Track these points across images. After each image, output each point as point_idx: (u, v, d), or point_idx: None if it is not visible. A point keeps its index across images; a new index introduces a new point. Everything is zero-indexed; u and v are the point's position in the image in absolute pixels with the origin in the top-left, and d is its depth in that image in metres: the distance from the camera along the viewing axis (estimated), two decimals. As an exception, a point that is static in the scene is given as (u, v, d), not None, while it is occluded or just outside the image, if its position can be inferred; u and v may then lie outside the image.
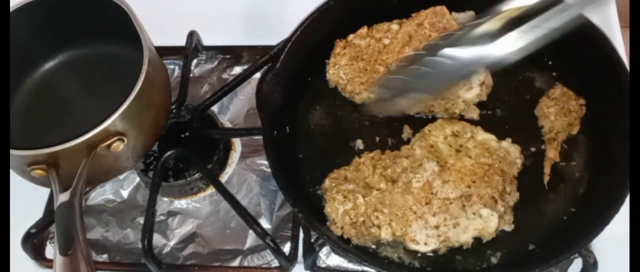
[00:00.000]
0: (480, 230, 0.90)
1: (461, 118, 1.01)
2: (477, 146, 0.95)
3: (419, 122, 1.02)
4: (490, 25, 0.82)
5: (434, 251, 0.91)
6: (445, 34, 0.89)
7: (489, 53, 0.81)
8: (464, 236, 0.90)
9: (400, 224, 0.90)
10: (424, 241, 0.90)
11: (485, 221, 0.90)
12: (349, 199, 0.93)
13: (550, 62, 1.06)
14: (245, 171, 1.09)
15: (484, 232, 0.90)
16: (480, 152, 0.94)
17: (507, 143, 0.96)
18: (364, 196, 0.93)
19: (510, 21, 0.81)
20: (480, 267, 0.92)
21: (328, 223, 0.94)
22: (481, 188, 0.91)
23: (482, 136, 0.97)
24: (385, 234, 0.90)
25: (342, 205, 0.92)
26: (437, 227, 0.90)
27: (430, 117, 1.03)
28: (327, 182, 0.97)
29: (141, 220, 1.04)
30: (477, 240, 0.91)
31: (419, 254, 0.92)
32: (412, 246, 0.90)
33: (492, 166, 0.93)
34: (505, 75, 1.05)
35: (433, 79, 0.85)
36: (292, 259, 0.97)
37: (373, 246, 0.93)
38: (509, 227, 0.92)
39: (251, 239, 1.02)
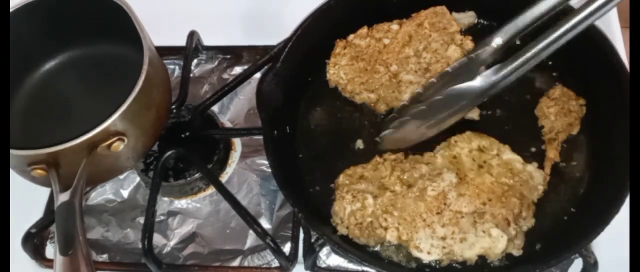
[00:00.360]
0: (487, 249, 0.88)
1: (461, 118, 1.01)
2: (501, 164, 0.93)
3: (419, 122, 1.02)
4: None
5: (438, 262, 0.90)
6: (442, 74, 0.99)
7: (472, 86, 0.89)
8: (469, 252, 0.88)
9: (408, 229, 0.89)
10: (428, 250, 0.88)
11: (494, 242, 0.88)
12: (358, 199, 0.92)
13: (550, 62, 1.06)
14: (246, 170, 1.09)
15: (490, 252, 0.88)
16: (502, 172, 0.92)
17: (532, 167, 0.94)
18: (376, 197, 0.92)
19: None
20: (480, 267, 0.92)
21: (333, 221, 0.93)
22: (496, 208, 0.89)
23: (508, 155, 0.94)
24: (391, 237, 0.89)
25: (350, 205, 0.92)
26: (443, 238, 0.88)
27: (430, 117, 1.03)
28: (341, 178, 0.96)
29: (141, 220, 1.04)
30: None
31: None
32: (415, 253, 0.89)
33: (513, 187, 0.91)
34: (506, 76, 1.05)
35: (428, 112, 0.95)
36: (292, 259, 0.97)
37: (375, 248, 0.93)
38: (517, 252, 0.90)
39: (251, 239, 1.02)
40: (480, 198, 0.90)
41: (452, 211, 0.89)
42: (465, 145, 0.95)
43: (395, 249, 0.92)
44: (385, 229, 0.90)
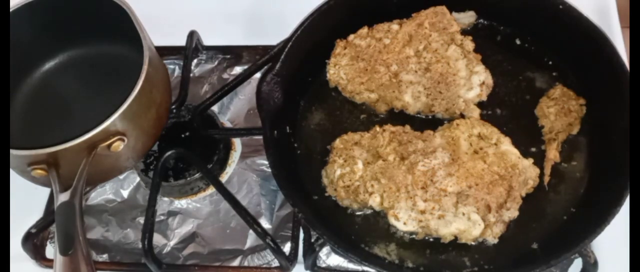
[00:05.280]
0: (462, 231, 0.90)
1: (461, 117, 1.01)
2: (496, 154, 0.94)
3: (419, 122, 1.02)
4: None
5: (412, 234, 0.93)
6: None
7: None
8: (444, 230, 0.90)
9: (391, 197, 0.92)
10: (405, 220, 0.91)
11: (471, 225, 0.90)
12: (348, 164, 0.95)
13: (550, 62, 1.06)
14: (246, 170, 1.09)
15: (465, 234, 0.90)
16: (496, 161, 0.93)
17: (528, 162, 0.94)
18: (368, 163, 0.94)
19: None
20: (480, 267, 0.92)
21: (322, 182, 0.97)
22: (481, 193, 0.91)
23: (507, 147, 0.95)
24: (373, 202, 0.93)
25: (340, 168, 0.95)
26: (423, 212, 0.91)
27: (430, 117, 1.03)
28: (337, 142, 0.99)
29: (141, 220, 1.04)
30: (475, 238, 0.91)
31: (419, 253, 0.93)
32: (392, 221, 0.92)
33: (503, 177, 0.92)
34: (506, 75, 1.05)
35: None
36: (292, 259, 0.97)
37: (371, 248, 0.94)
38: (492, 240, 0.91)
39: (251, 239, 1.02)
40: (468, 181, 0.91)
41: (437, 188, 0.91)
42: (466, 130, 0.96)
43: (391, 247, 0.93)
44: (370, 194, 0.93)
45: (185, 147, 1.05)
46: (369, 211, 0.96)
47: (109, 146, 0.88)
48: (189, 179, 1.04)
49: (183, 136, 1.08)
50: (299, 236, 0.99)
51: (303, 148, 1.04)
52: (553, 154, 0.97)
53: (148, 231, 0.98)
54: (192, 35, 1.17)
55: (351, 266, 0.98)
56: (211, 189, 1.07)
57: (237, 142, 1.11)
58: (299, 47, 1.03)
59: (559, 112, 0.99)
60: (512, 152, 0.94)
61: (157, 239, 1.03)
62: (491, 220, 0.90)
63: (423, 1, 1.07)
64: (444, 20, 1.05)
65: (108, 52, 1.05)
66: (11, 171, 0.92)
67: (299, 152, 1.03)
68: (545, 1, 1.02)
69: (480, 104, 1.02)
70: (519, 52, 1.08)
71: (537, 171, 0.95)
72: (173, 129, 1.08)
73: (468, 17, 1.10)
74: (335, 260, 0.99)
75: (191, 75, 1.17)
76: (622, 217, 0.85)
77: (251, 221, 0.98)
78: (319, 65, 1.07)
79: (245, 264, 1.00)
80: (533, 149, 0.99)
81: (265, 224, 1.03)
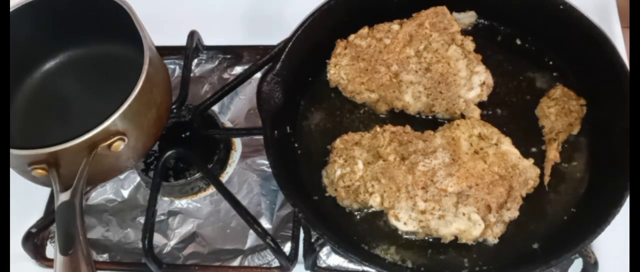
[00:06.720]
0: (462, 231, 0.90)
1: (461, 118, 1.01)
2: (497, 154, 0.94)
3: (419, 122, 1.02)
4: None
5: (413, 234, 0.93)
6: None
7: None
8: (444, 230, 0.90)
9: (391, 197, 0.92)
10: (405, 220, 0.91)
11: (471, 226, 0.90)
12: (349, 164, 0.95)
13: (550, 62, 1.06)
14: (246, 170, 1.09)
15: (465, 234, 0.90)
16: (496, 161, 0.93)
17: (528, 162, 0.94)
18: (368, 163, 0.95)
19: None
20: (480, 267, 0.92)
21: (323, 182, 0.97)
22: (481, 193, 0.91)
23: (507, 147, 0.95)
24: (373, 202, 0.93)
25: (341, 168, 0.95)
26: (423, 212, 0.91)
27: (430, 117, 1.03)
28: (337, 142, 0.99)
29: (142, 220, 1.04)
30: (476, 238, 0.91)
31: (419, 253, 0.93)
32: (392, 221, 0.92)
33: (503, 177, 0.92)
34: (506, 76, 1.05)
35: None
36: (292, 259, 0.97)
37: (371, 248, 0.94)
38: (493, 240, 0.91)
39: (251, 238, 1.02)
40: (468, 181, 0.91)
41: (437, 188, 0.91)
42: (467, 130, 0.96)
43: (393, 248, 0.93)
44: (370, 194, 0.93)
45: (186, 147, 1.05)
46: (369, 211, 0.96)
47: (110, 145, 0.88)
48: (189, 178, 1.04)
49: (183, 135, 1.08)
50: (299, 236, 0.99)
51: (303, 148, 1.04)
52: (553, 154, 0.97)
53: (148, 230, 0.98)
54: (192, 35, 1.17)
55: (351, 266, 0.98)
56: (211, 189, 1.07)
57: (237, 142, 1.11)
58: (300, 47, 1.03)
59: (559, 112, 0.99)
60: (513, 152, 0.95)
61: (158, 238, 1.03)
62: (491, 220, 0.90)
63: (423, 1, 1.07)
64: (445, 20, 1.05)
65: (108, 52, 1.05)
66: (11, 170, 0.92)
67: (299, 152, 1.03)
68: (545, 1, 1.02)
69: (480, 104, 1.02)
70: (519, 52, 1.08)
71: (538, 171, 0.95)
72: (173, 128, 1.08)
73: (468, 17, 1.10)
74: (335, 260, 0.99)
75: (191, 75, 1.17)
76: (622, 217, 0.85)
77: (251, 221, 0.98)
78: (319, 65, 1.07)
79: (246, 264, 1.00)
80: (533, 149, 0.99)
81: (265, 224, 1.03)
